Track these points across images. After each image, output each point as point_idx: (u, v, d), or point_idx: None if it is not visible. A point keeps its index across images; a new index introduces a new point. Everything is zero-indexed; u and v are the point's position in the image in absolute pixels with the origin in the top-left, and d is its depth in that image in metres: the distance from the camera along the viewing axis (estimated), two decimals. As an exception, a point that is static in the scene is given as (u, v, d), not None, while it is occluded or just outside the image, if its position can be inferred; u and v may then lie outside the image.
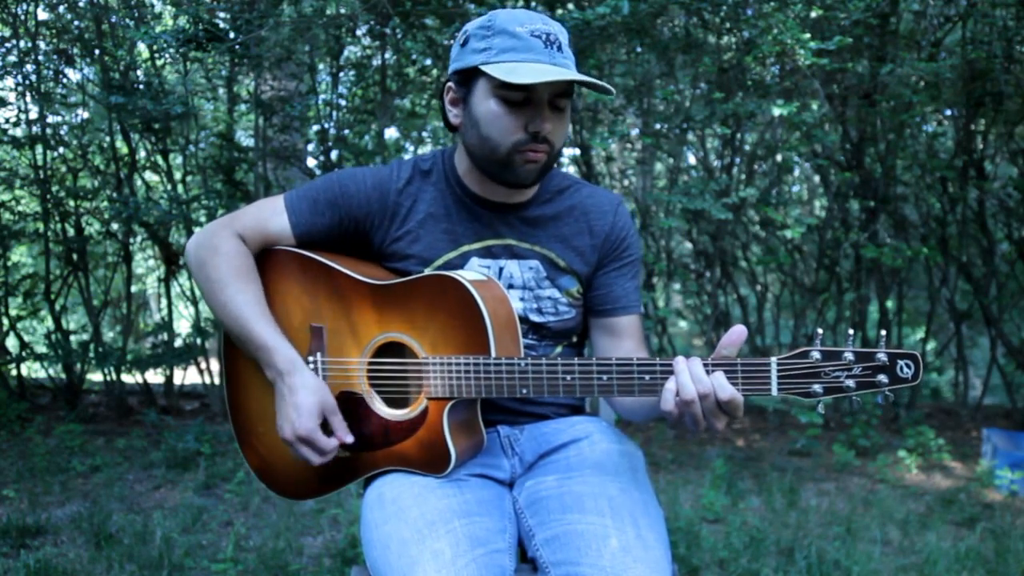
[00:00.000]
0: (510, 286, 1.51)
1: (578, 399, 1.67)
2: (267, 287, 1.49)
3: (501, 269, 1.51)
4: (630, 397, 1.28)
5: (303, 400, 1.36)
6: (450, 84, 1.47)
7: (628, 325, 1.57)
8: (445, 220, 1.52)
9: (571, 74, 1.35)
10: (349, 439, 1.39)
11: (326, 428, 1.40)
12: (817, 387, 1.19)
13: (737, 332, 1.20)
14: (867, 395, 1.18)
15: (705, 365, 1.21)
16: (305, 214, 1.50)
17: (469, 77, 1.42)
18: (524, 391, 1.31)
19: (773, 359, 1.20)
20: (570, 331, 1.58)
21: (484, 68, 1.35)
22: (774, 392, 1.20)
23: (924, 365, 1.18)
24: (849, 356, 1.18)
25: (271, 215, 1.51)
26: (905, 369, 1.16)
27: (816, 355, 1.19)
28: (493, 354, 1.32)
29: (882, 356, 1.17)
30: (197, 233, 1.53)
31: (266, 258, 1.52)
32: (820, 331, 1.24)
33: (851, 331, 1.20)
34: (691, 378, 1.20)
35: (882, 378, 1.17)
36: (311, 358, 1.45)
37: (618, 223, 1.57)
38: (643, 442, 4.47)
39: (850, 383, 1.18)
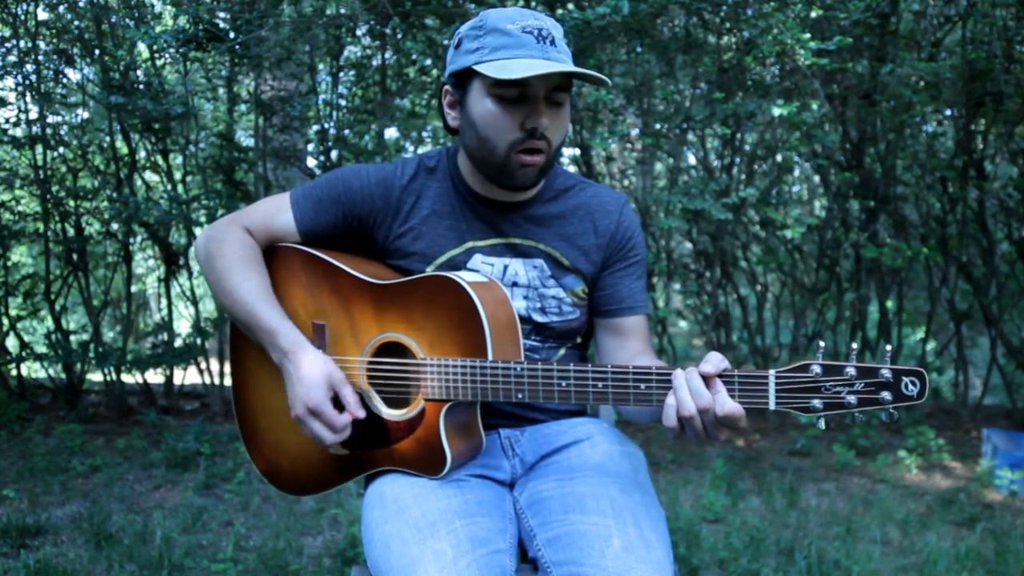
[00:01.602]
0: (514, 284, 1.50)
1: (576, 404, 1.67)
2: (272, 284, 1.49)
3: (506, 267, 1.51)
4: (626, 406, 1.28)
5: (309, 373, 1.34)
6: (447, 87, 1.47)
7: (634, 325, 1.57)
8: (449, 217, 1.51)
9: (562, 66, 1.34)
10: (361, 414, 1.36)
11: (338, 406, 1.37)
12: (817, 402, 1.16)
13: (715, 364, 1.19)
14: (869, 412, 1.15)
15: (703, 376, 1.19)
16: (309, 212, 1.51)
17: (464, 79, 1.42)
18: (520, 395, 1.31)
19: (771, 372, 1.17)
20: (574, 332, 1.58)
21: (477, 68, 1.35)
22: (772, 406, 1.17)
23: (929, 383, 1.13)
24: (851, 371, 1.14)
25: (277, 212, 1.52)
26: (910, 386, 1.13)
27: (816, 369, 1.15)
28: (491, 357, 1.32)
29: (886, 372, 1.13)
30: (205, 229, 1.54)
31: (271, 255, 1.53)
32: (822, 344, 1.20)
33: (854, 344, 1.17)
34: (690, 393, 1.19)
35: (885, 395, 1.13)
36: None
37: (623, 223, 1.56)
38: (643, 442, 4.48)
39: (851, 399, 1.14)
